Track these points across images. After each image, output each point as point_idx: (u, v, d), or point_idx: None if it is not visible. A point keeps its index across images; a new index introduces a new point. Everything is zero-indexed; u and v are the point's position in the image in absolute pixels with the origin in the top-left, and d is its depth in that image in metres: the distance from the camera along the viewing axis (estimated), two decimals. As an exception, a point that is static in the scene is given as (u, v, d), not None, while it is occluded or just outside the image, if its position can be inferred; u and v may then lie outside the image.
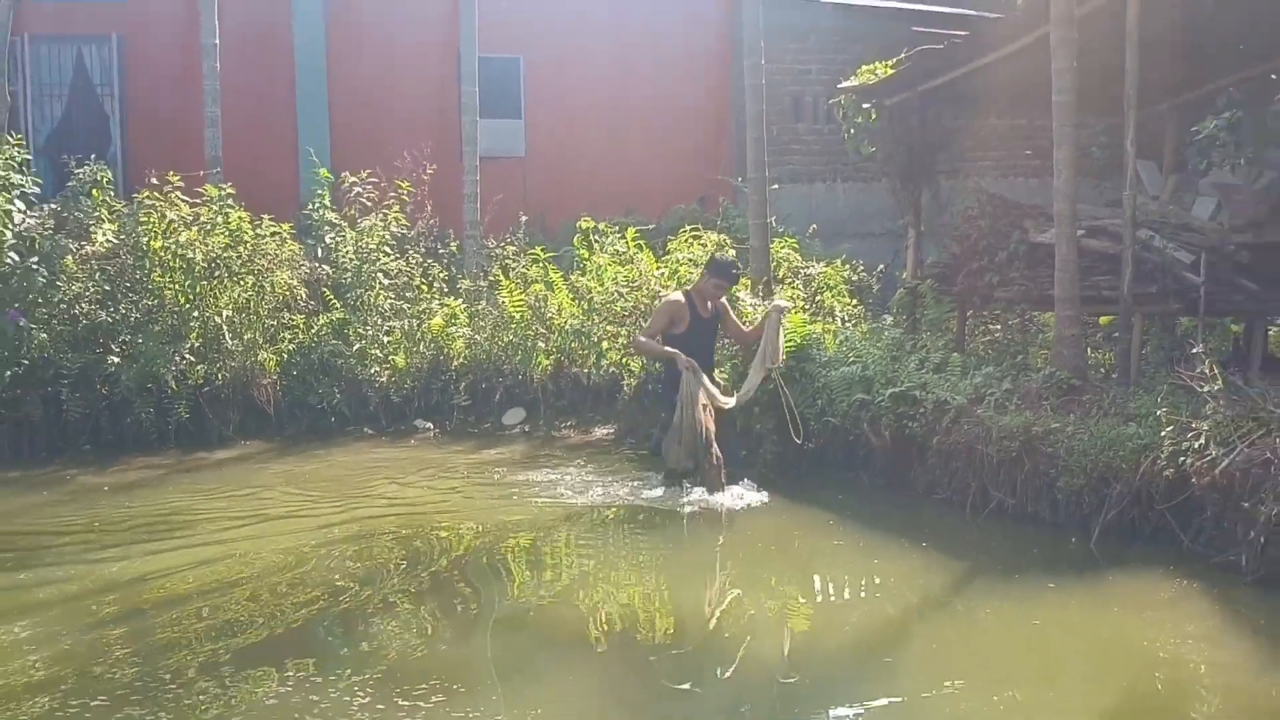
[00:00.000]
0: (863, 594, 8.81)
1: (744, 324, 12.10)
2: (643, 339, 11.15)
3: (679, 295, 11.24)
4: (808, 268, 16.07)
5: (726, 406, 10.88)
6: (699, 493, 10.73)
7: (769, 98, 16.66)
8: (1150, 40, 11.34)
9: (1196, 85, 14.39)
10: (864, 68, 15.58)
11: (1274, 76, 14.21)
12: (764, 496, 10.92)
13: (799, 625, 8.16)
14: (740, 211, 17.21)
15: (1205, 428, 9.17)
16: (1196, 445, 9.05)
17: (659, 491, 11.09)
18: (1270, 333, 12.81)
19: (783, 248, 16.42)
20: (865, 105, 15.65)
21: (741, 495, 10.85)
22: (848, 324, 14.43)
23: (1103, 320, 12.52)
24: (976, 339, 14.03)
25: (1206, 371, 10.10)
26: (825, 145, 20.94)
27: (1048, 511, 9.94)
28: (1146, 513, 9.24)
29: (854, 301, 15.52)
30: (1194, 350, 10.94)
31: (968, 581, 8.84)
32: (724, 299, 11.47)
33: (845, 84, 15.78)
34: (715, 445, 10.65)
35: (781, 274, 15.58)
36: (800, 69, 21.59)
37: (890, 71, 14.82)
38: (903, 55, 14.40)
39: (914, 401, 11.43)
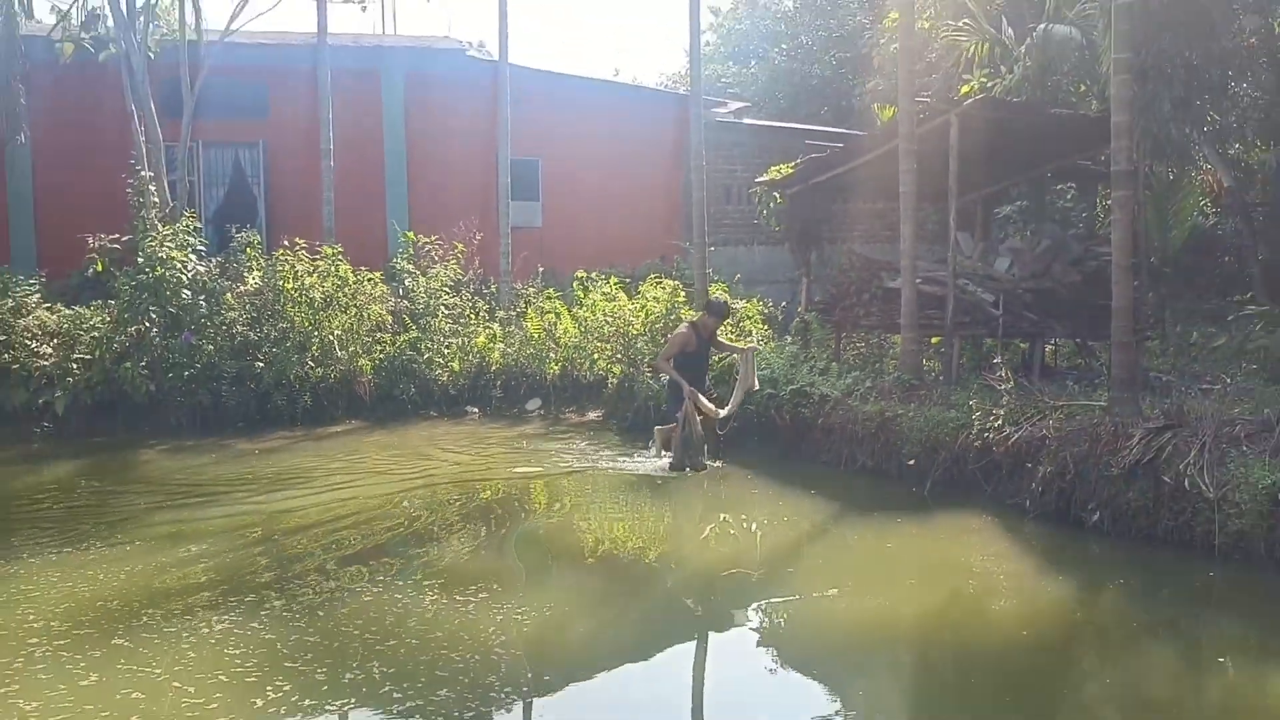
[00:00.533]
0: (772, 526, 8.84)
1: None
2: (662, 362, 10.88)
3: (686, 328, 10.96)
4: (734, 304, 16.08)
5: (719, 416, 10.55)
6: (665, 460, 10.62)
7: (708, 187, 16.70)
8: (966, 152, 11.44)
9: (997, 182, 14.51)
10: (773, 168, 15.66)
11: (1048, 175, 14.35)
12: (716, 463, 10.89)
13: (727, 547, 8.21)
14: (688, 265, 17.22)
15: (1002, 413, 9.26)
16: (996, 425, 9.14)
17: (646, 461, 10.97)
18: (1046, 348, 12.87)
19: (717, 290, 16.45)
20: (774, 193, 15.72)
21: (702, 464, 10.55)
22: (762, 343, 14.46)
23: (934, 340, 12.59)
24: (848, 352, 14.04)
25: (1003, 375, 10.21)
26: (746, 220, 20.99)
27: (896, 470, 9.97)
28: (963, 471, 9.30)
29: (766, 327, 15.54)
30: (995, 361, 11.07)
31: (842, 517, 8.92)
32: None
33: (760, 179, 15.86)
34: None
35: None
36: (729, 168, 21.66)
37: (790, 171, 14.90)
38: (799, 160, 14.47)
39: (806, 395, 11.48)
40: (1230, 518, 7.02)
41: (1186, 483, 7.36)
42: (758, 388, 10.94)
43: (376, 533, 8.22)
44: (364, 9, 33.04)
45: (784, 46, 32.62)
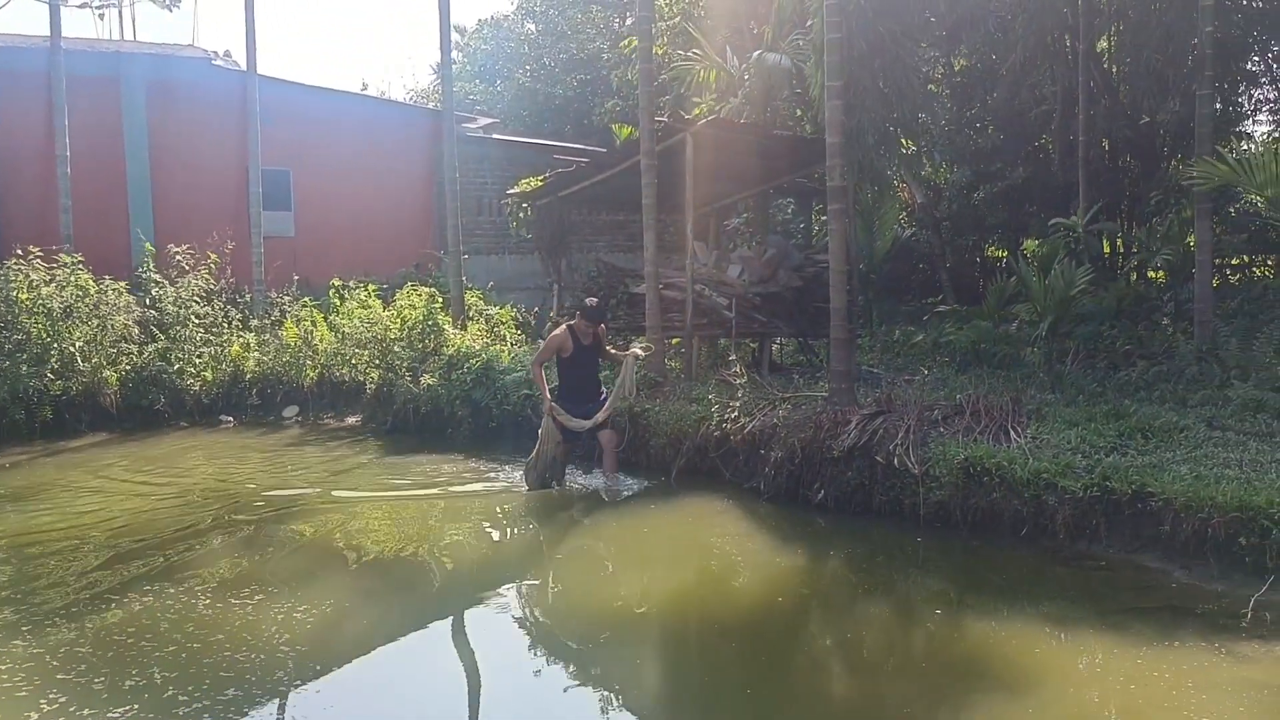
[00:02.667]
0: (528, 519, 8.76)
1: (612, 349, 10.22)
2: (535, 367, 9.63)
3: (562, 330, 9.60)
4: (489, 310, 16.00)
5: (582, 429, 9.30)
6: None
7: (461, 198, 16.54)
8: (700, 168, 11.86)
9: (727, 196, 15.12)
10: (522, 181, 15.69)
11: (772, 191, 15.09)
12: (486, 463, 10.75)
13: (485, 543, 8.12)
14: (444, 273, 16.96)
15: (737, 405, 9.67)
16: (732, 416, 9.52)
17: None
18: (774, 347, 13.52)
19: (472, 297, 16.33)
20: (524, 205, 15.75)
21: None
22: (516, 346, 14.45)
23: (674, 341, 12.98)
24: (597, 354, 14.26)
25: (737, 371, 10.65)
26: (498, 230, 20.91)
27: (645, 461, 10.20)
28: (704, 459, 9.62)
29: (519, 332, 15.55)
30: (730, 359, 11.50)
31: (594, 508, 9.00)
32: (603, 331, 9.89)
33: (511, 191, 15.86)
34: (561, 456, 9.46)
35: (471, 314, 15.46)
36: (480, 180, 21.50)
37: (539, 183, 14.98)
38: (547, 174, 14.58)
39: (560, 394, 11.56)
40: (932, 490, 7.64)
41: (896, 461, 7.95)
42: (633, 397, 9.95)
43: (133, 544, 7.63)
44: (101, 16, 30.56)
45: (528, 67, 32.74)
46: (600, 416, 9.33)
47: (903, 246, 19.36)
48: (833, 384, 9.44)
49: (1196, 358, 10.29)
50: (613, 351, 9.91)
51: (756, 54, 13.90)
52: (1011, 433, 8.02)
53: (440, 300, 14.53)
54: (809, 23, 12.55)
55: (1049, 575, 6.67)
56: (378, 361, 13.92)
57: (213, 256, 16.12)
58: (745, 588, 6.80)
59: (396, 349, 13.79)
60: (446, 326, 13.89)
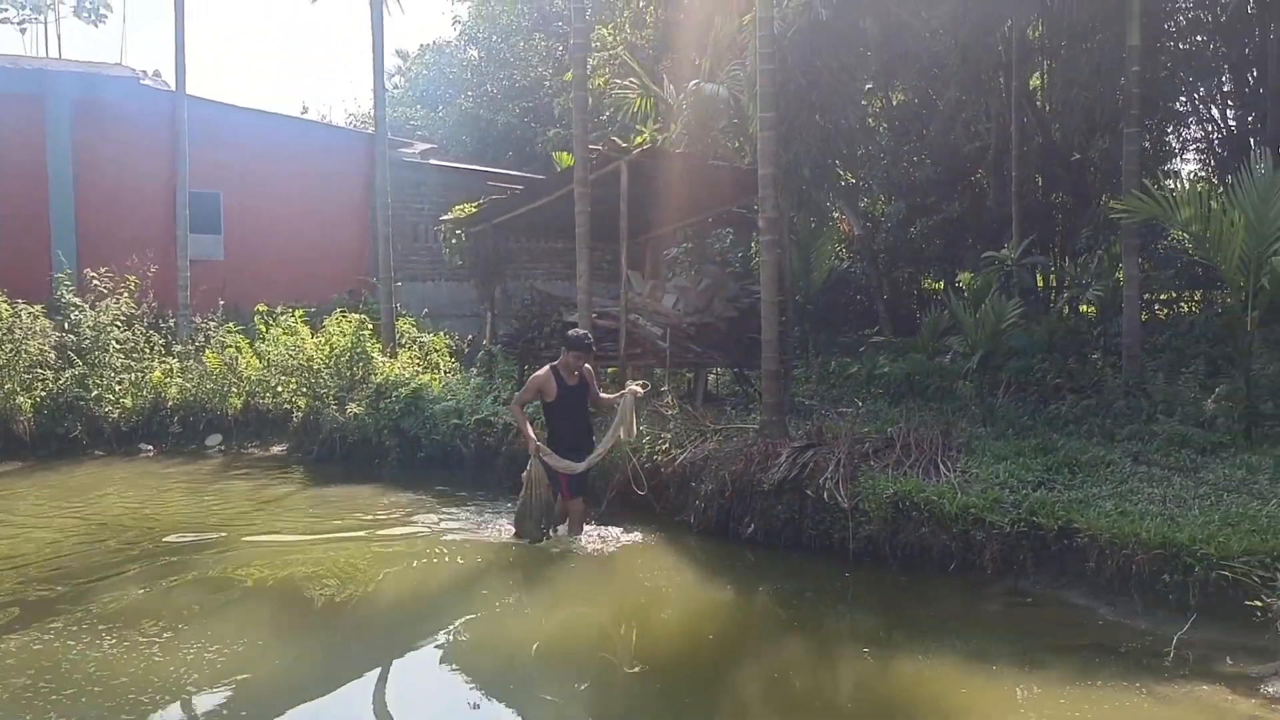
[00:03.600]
0: (455, 552, 8.55)
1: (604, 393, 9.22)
2: (514, 407, 8.67)
3: (545, 370, 8.48)
4: (422, 337, 15.78)
5: (574, 471, 8.29)
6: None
7: (395, 224, 16.37)
8: (636, 197, 11.80)
9: (664, 225, 15.06)
10: (456, 207, 15.54)
11: (710, 221, 15.09)
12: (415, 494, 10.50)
13: (413, 574, 7.89)
14: (377, 300, 16.69)
15: (669, 436, 9.57)
16: (664, 448, 9.42)
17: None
18: (710, 377, 13.45)
19: (405, 324, 16.11)
20: (458, 231, 15.58)
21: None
22: (449, 374, 14.24)
23: (610, 370, 12.85)
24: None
25: (670, 402, 10.55)
26: (434, 257, 20.65)
27: (574, 493, 10.04)
28: (634, 491, 9.46)
29: (452, 360, 15.33)
30: (663, 389, 11.40)
31: (520, 546, 8.79)
32: (589, 368, 8.64)
33: (445, 217, 15.68)
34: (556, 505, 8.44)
35: (403, 341, 15.22)
36: (416, 206, 21.28)
37: (474, 210, 14.83)
38: (481, 201, 14.44)
39: (490, 424, 11.42)
40: (861, 524, 7.58)
41: (825, 495, 7.88)
42: (633, 436, 8.84)
43: (38, 581, 7.30)
44: (23, 30, 29.83)
45: (470, 94, 32.61)
46: (595, 457, 8.43)
47: (840, 278, 19.48)
48: (764, 416, 9.38)
49: (1124, 392, 10.39)
50: (605, 396, 8.85)
51: (693, 84, 13.93)
52: (941, 467, 8.00)
53: (370, 327, 14.28)
54: (745, 55, 12.61)
55: (976, 611, 6.62)
56: (304, 389, 13.61)
57: (132, 279, 15.69)
58: (672, 624, 6.67)
59: (324, 377, 13.50)
60: (376, 354, 13.67)
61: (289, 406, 13.90)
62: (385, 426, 12.17)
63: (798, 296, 14.70)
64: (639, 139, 14.95)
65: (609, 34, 21.21)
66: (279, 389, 14.13)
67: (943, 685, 5.27)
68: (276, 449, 13.79)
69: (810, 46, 10.92)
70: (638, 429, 8.94)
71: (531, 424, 8.51)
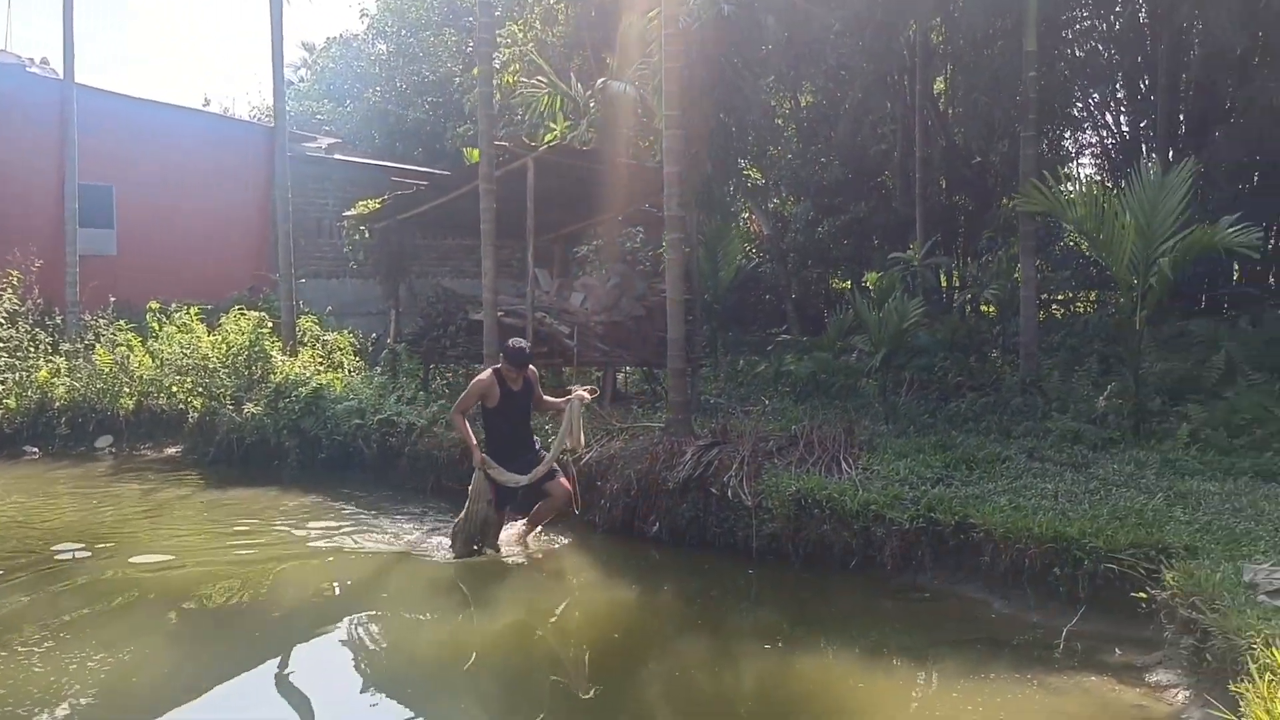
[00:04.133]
0: (352, 555, 8.37)
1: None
2: (456, 416, 8.09)
3: (488, 373, 8.06)
4: (324, 335, 15.44)
5: (518, 485, 7.90)
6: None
7: (297, 220, 16.01)
8: (543, 194, 11.72)
9: (572, 223, 15.01)
10: (360, 203, 15.25)
11: (619, 219, 15.06)
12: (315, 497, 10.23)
13: (312, 575, 7.69)
14: (278, 297, 16.28)
15: (574, 436, 9.46)
16: (570, 446, 9.31)
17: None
18: (618, 376, 13.42)
19: (307, 322, 15.74)
20: (362, 227, 15.29)
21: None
22: (352, 374, 13.95)
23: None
24: (437, 382, 13.90)
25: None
26: (337, 253, 20.24)
27: (479, 493, 9.92)
28: (541, 491, 9.37)
29: (356, 359, 15.03)
30: (570, 388, 11.27)
31: (424, 540, 8.63)
32: (534, 373, 8.26)
33: (348, 213, 15.37)
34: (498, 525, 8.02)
35: (305, 339, 14.86)
36: (320, 201, 20.86)
37: (378, 206, 14.56)
38: (385, 196, 14.18)
39: (393, 424, 11.21)
40: (765, 522, 7.61)
41: (730, 493, 7.89)
42: (581, 446, 8.26)
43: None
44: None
45: (378, 88, 32.07)
46: (540, 469, 7.92)
47: (749, 277, 19.61)
48: (671, 415, 9.36)
49: (1021, 390, 10.64)
50: (549, 400, 8.35)
51: (602, 82, 13.88)
52: (844, 464, 8.07)
53: (270, 325, 13.90)
54: (652, 53, 12.60)
55: (876, 607, 6.69)
56: (200, 389, 13.18)
57: (13, 275, 15.03)
58: (577, 624, 6.61)
59: (221, 376, 13.09)
60: (275, 353, 13.30)
61: (184, 407, 13.45)
62: (285, 427, 11.86)
63: (706, 295, 14.75)
64: (549, 136, 14.84)
65: (519, 30, 21.06)
66: (173, 389, 13.66)
67: (844, 681, 5.30)
68: (171, 451, 13.33)
69: (715, 42, 10.96)
70: (585, 437, 8.30)
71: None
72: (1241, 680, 4.00)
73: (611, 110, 13.80)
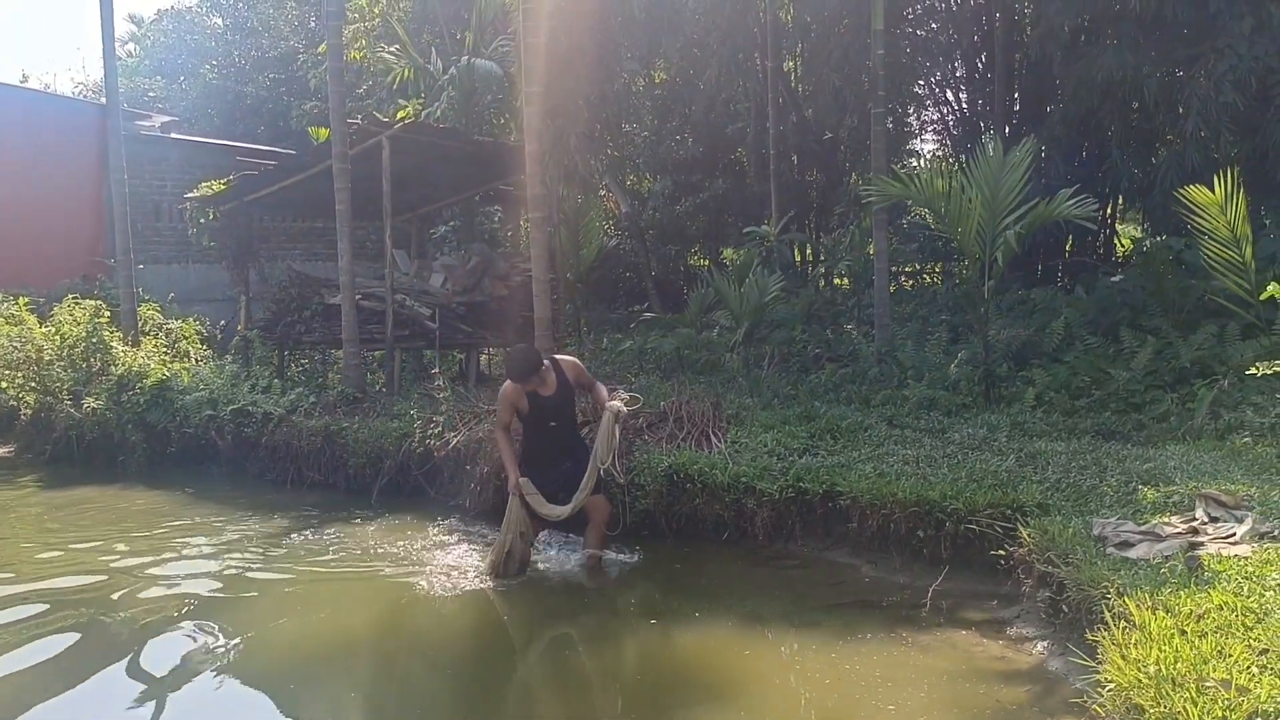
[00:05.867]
0: (215, 551, 8.04)
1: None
2: (497, 433, 7.03)
3: (510, 381, 6.88)
4: (169, 324, 14.75)
5: (556, 517, 6.84)
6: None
7: (135, 204, 15.22)
8: (400, 173, 11.48)
9: (430, 203, 14.76)
10: (203, 185, 14.60)
11: (478, 198, 14.87)
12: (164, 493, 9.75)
13: (175, 569, 7.35)
14: (116, 284, 15.45)
15: (442, 420, 9.37)
16: (436, 431, 9.21)
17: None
18: (481, 358, 13.29)
19: (149, 310, 15.02)
20: (207, 210, 14.65)
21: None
22: (200, 363, 13.37)
23: (377, 354, 12.47)
24: (292, 369, 13.49)
25: (441, 384, 10.33)
26: (179, 237, 19.32)
27: (343, 482, 9.77)
28: (407, 478, 9.29)
29: (204, 347, 14.41)
30: (433, 371, 11.16)
31: (290, 533, 8.36)
32: (572, 362, 7.13)
33: (191, 195, 14.70)
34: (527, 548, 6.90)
35: (147, 329, 14.17)
36: (158, 183, 19.85)
37: (224, 187, 13.98)
38: (231, 177, 13.64)
39: (248, 414, 10.82)
40: (638, 499, 7.66)
41: (602, 471, 7.89)
42: (612, 470, 6.89)
43: None
44: None
45: (214, 63, 30.70)
46: (580, 499, 6.78)
47: (609, 255, 19.68)
48: (540, 395, 9.31)
49: (877, 360, 11.00)
50: (600, 395, 7.00)
51: (464, 59, 13.64)
52: (713, 438, 8.20)
53: (108, 314, 13.19)
54: (511, 29, 12.46)
55: (751, 576, 6.82)
56: (33, 384, 12.42)
57: None
58: (452, 611, 6.50)
59: (56, 369, 12.36)
60: (116, 343, 12.63)
61: (15, 403, 12.67)
62: (129, 421, 11.31)
63: (568, 274, 14.72)
64: (402, 113, 14.51)
65: (366, 2, 20.47)
66: (2, 384, 12.84)
67: (725, 651, 5.40)
68: (2, 450, 12.56)
69: (573, 16, 10.91)
70: (614, 457, 6.79)
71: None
72: (1097, 629, 4.24)
73: (471, 86, 13.60)
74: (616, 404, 6.76)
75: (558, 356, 7.09)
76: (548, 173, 9.95)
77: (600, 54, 11.38)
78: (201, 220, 14.73)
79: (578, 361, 7.23)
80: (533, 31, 9.35)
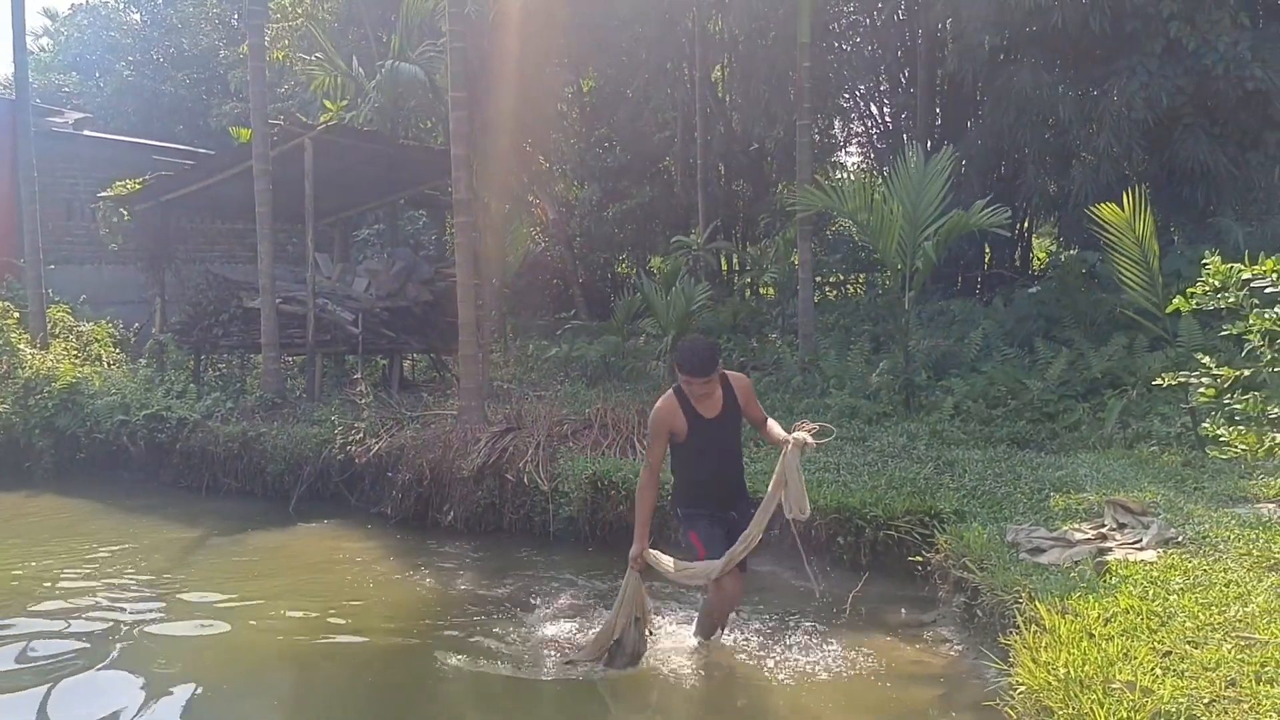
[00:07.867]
0: (133, 559, 7.82)
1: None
2: (646, 476, 5.22)
3: (668, 397, 5.16)
4: (80, 327, 14.32)
5: (697, 584, 5.34)
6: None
7: (46, 202, 14.74)
8: (323, 176, 11.33)
9: (353, 206, 14.56)
10: (118, 183, 14.21)
11: (402, 202, 14.71)
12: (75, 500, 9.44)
13: (93, 579, 7.12)
14: (23, 285, 14.95)
15: (364, 426, 9.27)
16: (358, 437, 9.10)
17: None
18: (404, 364, 13.13)
19: (59, 312, 14.56)
20: (121, 210, 14.25)
21: None
22: (112, 367, 13.00)
23: (298, 359, 12.25)
24: (209, 374, 13.17)
25: (363, 390, 10.19)
26: (92, 238, 18.67)
27: (261, 489, 9.63)
28: (327, 484, 9.18)
29: (117, 351, 14.02)
30: (356, 377, 11.01)
31: (207, 540, 8.20)
32: (740, 379, 5.33)
33: (104, 194, 14.30)
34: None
35: (57, 331, 13.74)
36: (71, 181, 19.18)
37: (139, 186, 13.62)
38: (147, 176, 13.31)
39: (162, 419, 10.55)
40: (562, 506, 7.65)
41: (526, 478, 7.89)
42: (804, 514, 5.06)
43: None
44: None
45: (131, 60, 29.93)
46: (739, 550, 5.05)
47: (536, 261, 19.59)
48: (462, 401, 9.27)
49: (801, 368, 11.13)
50: (771, 429, 5.29)
51: (389, 63, 13.49)
52: (637, 446, 8.21)
53: (16, 315, 12.76)
54: (441, 37, 12.36)
55: (677, 584, 6.81)
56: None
57: None
58: (368, 619, 6.39)
59: (-40, 376, 11.92)
60: (23, 346, 12.23)
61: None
62: (37, 426, 10.98)
63: (495, 280, 14.62)
64: (325, 116, 14.30)
65: (289, 3, 20.14)
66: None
67: (658, 661, 5.37)
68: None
69: (505, 24, 10.89)
70: (806, 502, 5.10)
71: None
72: (1010, 632, 4.34)
73: (396, 91, 13.46)
74: (803, 435, 5.09)
75: (728, 372, 5.31)
76: (474, 178, 9.88)
77: (528, 61, 11.34)
78: (114, 220, 14.33)
79: (749, 382, 5.47)
80: (457, 36, 9.29)
